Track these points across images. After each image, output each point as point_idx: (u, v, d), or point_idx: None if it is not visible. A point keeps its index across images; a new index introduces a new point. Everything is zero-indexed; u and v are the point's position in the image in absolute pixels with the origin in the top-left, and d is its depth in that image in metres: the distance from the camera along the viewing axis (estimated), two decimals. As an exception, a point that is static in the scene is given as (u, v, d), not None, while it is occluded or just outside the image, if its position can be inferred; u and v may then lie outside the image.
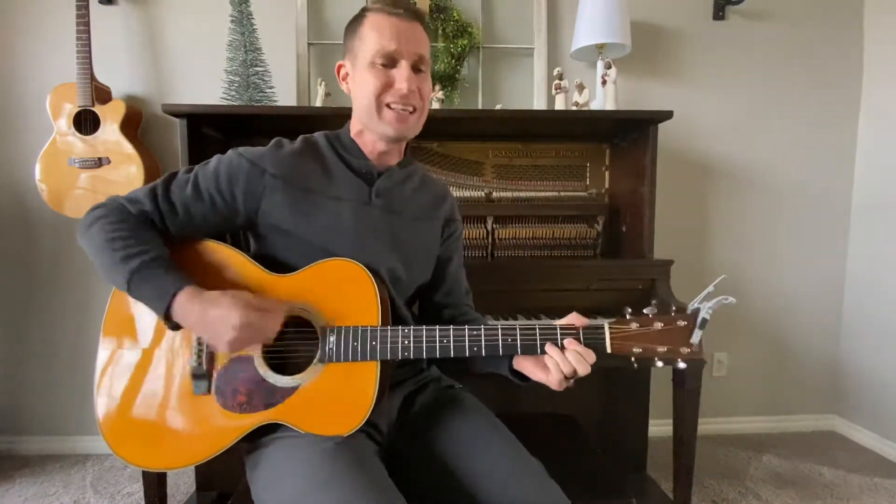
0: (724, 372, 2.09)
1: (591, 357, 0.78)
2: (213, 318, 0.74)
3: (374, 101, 0.86)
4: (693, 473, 1.44)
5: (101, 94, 1.70)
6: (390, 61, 0.85)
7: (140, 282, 0.76)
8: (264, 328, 0.77)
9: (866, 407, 2.02)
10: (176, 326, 0.78)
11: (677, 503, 1.46)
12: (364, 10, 0.88)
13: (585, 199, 1.79)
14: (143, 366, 0.84)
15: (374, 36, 0.85)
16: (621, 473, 1.63)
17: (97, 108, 1.67)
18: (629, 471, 1.69)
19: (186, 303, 0.75)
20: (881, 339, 1.96)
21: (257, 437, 0.82)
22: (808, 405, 2.14)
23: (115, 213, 0.81)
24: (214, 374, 0.82)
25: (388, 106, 0.86)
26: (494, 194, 1.76)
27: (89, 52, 1.65)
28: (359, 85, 0.88)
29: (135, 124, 1.77)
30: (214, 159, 0.88)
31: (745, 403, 2.11)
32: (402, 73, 0.85)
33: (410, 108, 0.87)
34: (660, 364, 0.79)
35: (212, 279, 0.84)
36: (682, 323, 0.78)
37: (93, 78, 1.66)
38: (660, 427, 1.87)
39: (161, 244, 0.81)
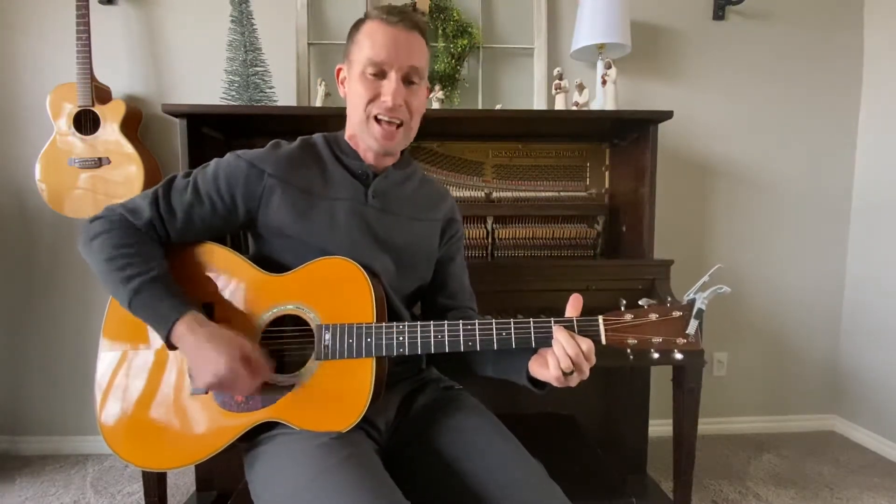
0: (724, 372, 2.09)
1: (590, 348, 0.76)
2: (203, 356, 0.75)
3: (363, 112, 0.87)
4: (693, 473, 1.44)
5: (101, 94, 1.70)
6: (380, 72, 0.85)
7: (140, 305, 0.78)
8: (244, 386, 0.77)
9: (866, 407, 2.02)
10: (174, 347, 0.79)
11: (677, 503, 1.46)
12: (366, 16, 0.89)
13: (585, 199, 1.79)
14: (142, 366, 0.84)
15: (367, 44, 0.85)
16: (621, 473, 1.63)
17: (97, 108, 1.67)
18: (629, 471, 1.69)
19: (184, 333, 0.76)
20: (881, 339, 1.96)
21: (255, 436, 0.82)
22: (808, 405, 2.14)
23: (115, 227, 0.81)
24: None
25: (375, 119, 0.87)
26: (494, 194, 1.76)
27: (89, 52, 1.65)
28: (351, 93, 0.90)
29: (135, 124, 1.77)
30: (213, 162, 0.88)
31: (745, 403, 2.11)
32: (389, 86, 0.85)
33: (397, 122, 0.87)
34: (656, 355, 0.78)
35: (208, 281, 0.86)
36: (677, 313, 0.78)
37: (93, 78, 1.66)
38: (660, 427, 1.87)
39: (161, 259, 0.82)
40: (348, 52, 0.91)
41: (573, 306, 0.81)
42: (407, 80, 0.87)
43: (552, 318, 0.79)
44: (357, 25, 0.89)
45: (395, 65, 0.85)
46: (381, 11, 0.86)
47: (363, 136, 0.89)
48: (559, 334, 0.77)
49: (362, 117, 0.87)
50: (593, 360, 0.77)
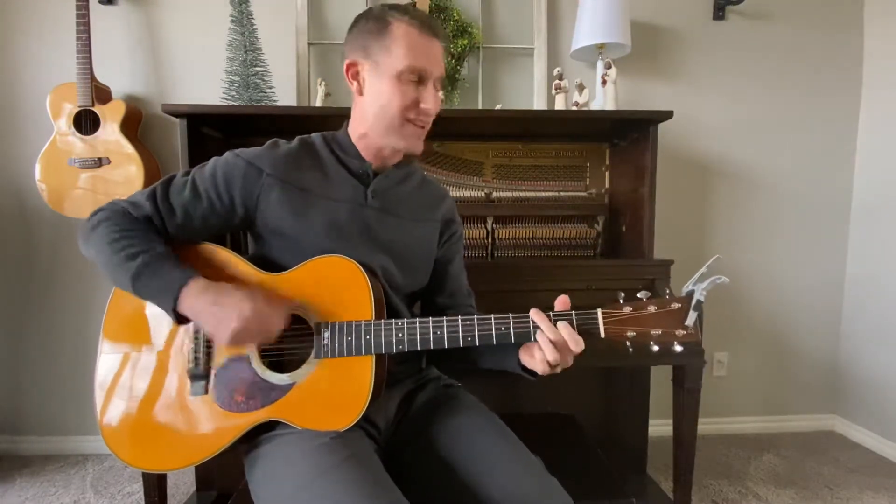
0: (724, 372, 2.09)
1: (579, 343, 0.77)
2: (225, 305, 0.75)
3: (399, 115, 0.86)
4: (693, 473, 1.45)
5: (101, 94, 1.70)
6: (419, 79, 0.86)
7: (146, 277, 0.77)
8: (270, 325, 0.78)
9: (866, 407, 2.02)
10: (181, 320, 0.78)
11: (677, 503, 1.46)
12: (388, 16, 0.85)
13: (585, 199, 1.79)
14: (141, 368, 0.84)
15: (406, 51, 0.83)
16: (621, 473, 1.63)
17: (97, 108, 1.67)
18: (629, 471, 1.69)
19: (196, 293, 0.76)
20: (881, 339, 1.96)
21: (256, 436, 0.82)
22: (808, 405, 2.14)
23: (117, 216, 0.81)
24: (212, 375, 0.83)
25: (408, 120, 0.87)
26: (494, 194, 1.76)
27: (89, 52, 1.65)
28: (378, 94, 0.87)
29: (135, 124, 1.77)
30: (211, 161, 0.88)
31: (745, 403, 2.11)
32: (430, 94, 0.87)
33: (427, 125, 0.90)
34: (656, 348, 0.78)
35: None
36: (675, 305, 0.77)
37: (93, 78, 1.66)
38: (660, 427, 1.87)
39: (163, 242, 0.82)
40: (370, 51, 0.86)
41: (561, 305, 0.81)
42: (436, 88, 0.89)
43: (551, 312, 0.80)
44: (382, 23, 0.85)
45: (432, 74, 0.86)
46: (409, 16, 0.85)
47: (388, 136, 0.89)
48: (544, 326, 0.77)
49: (395, 119, 0.86)
50: (577, 350, 0.77)
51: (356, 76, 0.89)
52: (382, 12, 0.87)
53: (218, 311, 0.75)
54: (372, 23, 0.87)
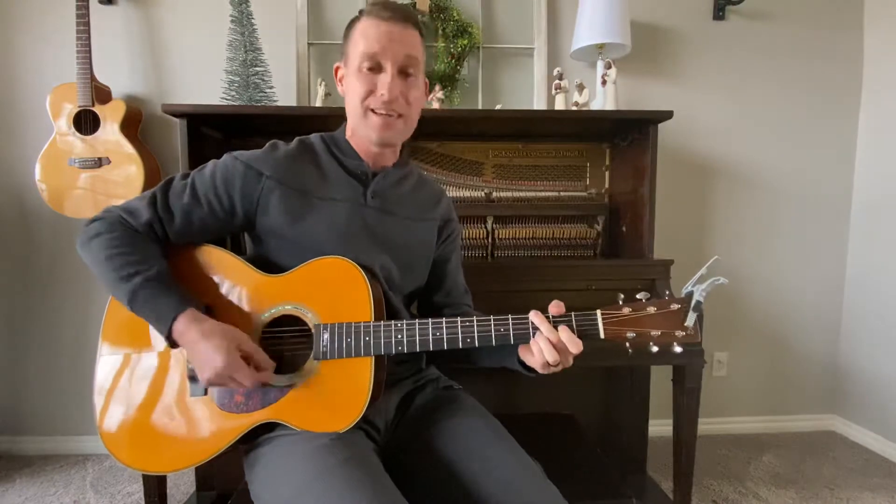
0: (724, 372, 2.09)
1: (577, 346, 0.76)
2: (201, 351, 0.76)
3: (360, 106, 0.87)
4: (693, 473, 1.44)
5: (101, 94, 1.70)
6: (376, 66, 0.85)
7: (140, 302, 0.77)
8: (243, 379, 0.77)
9: (866, 407, 2.02)
10: (175, 345, 0.79)
11: (677, 503, 1.46)
12: (359, 14, 0.89)
13: (585, 199, 1.79)
14: (141, 370, 0.84)
15: (362, 40, 0.85)
16: (621, 473, 1.63)
17: (97, 108, 1.67)
18: (629, 471, 1.69)
19: (183, 328, 0.76)
20: (881, 339, 1.96)
21: (255, 437, 0.82)
22: (808, 405, 2.14)
23: (113, 228, 0.81)
24: None
25: (372, 111, 0.87)
26: (494, 194, 1.76)
27: (89, 52, 1.65)
28: (348, 89, 0.90)
29: (135, 124, 1.77)
30: (210, 164, 0.88)
31: (745, 403, 2.11)
32: (384, 79, 0.85)
33: (395, 114, 0.87)
34: (655, 349, 0.78)
35: (206, 284, 0.85)
36: (675, 306, 0.77)
37: (93, 78, 1.66)
38: (660, 427, 1.87)
39: (160, 257, 0.82)
40: (344, 51, 0.91)
41: (555, 310, 0.81)
42: (403, 73, 0.87)
43: (549, 314, 0.80)
44: (352, 24, 0.89)
45: (390, 57, 0.85)
46: (374, 8, 0.87)
47: (361, 130, 0.89)
48: (543, 328, 0.77)
49: (359, 111, 0.87)
50: (575, 351, 0.77)
51: (340, 79, 0.93)
52: (360, 12, 0.89)
53: (196, 354, 0.77)
54: (349, 25, 0.90)
